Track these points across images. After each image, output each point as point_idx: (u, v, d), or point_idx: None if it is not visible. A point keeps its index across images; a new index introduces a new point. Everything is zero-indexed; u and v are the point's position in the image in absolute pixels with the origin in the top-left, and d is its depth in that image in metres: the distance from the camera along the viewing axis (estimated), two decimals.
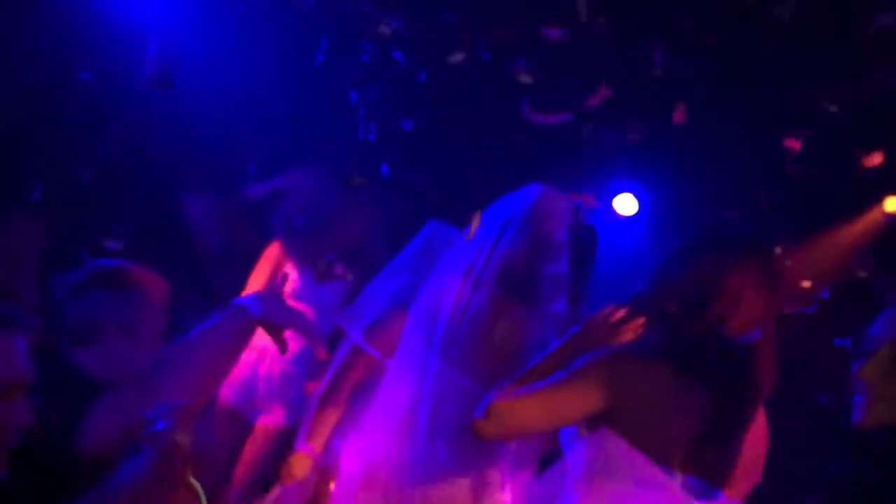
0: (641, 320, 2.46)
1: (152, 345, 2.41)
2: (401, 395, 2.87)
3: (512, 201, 2.94)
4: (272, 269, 4.00)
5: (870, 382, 2.19)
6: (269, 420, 3.88)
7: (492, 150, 5.41)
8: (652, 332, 2.45)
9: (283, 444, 3.49)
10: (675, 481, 2.31)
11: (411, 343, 2.90)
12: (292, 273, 3.99)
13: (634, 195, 5.64)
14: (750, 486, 2.56)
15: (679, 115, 4.98)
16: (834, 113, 5.01)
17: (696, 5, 4.74)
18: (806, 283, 5.53)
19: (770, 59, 4.84)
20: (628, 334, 2.46)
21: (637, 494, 2.31)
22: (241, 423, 3.86)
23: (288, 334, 2.40)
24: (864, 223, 5.58)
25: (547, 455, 2.82)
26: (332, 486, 3.16)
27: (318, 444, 3.12)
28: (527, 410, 2.34)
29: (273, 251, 4.05)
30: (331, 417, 3.12)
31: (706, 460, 2.33)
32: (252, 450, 3.84)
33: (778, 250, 4.48)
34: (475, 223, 2.93)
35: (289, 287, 3.92)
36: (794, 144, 5.11)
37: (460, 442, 2.75)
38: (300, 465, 3.15)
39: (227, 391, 3.84)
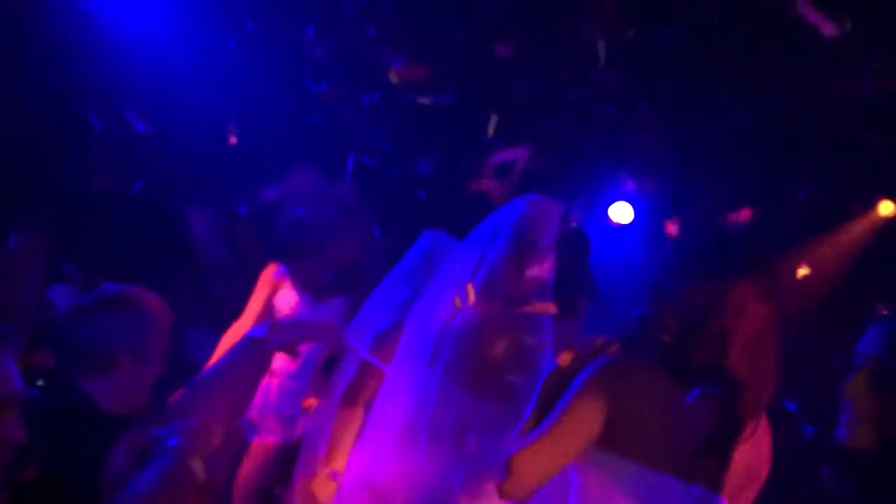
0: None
1: (157, 369, 2.45)
2: (398, 407, 2.88)
3: (504, 211, 2.94)
4: (271, 290, 4.02)
5: (854, 400, 2.17)
6: (267, 437, 3.88)
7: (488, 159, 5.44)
8: (650, 343, 2.46)
9: (281, 460, 3.51)
10: (677, 489, 2.31)
11: (407, 355, 2.91)
12: (291, 293, 4.01)
13: (630, 203, 5.68)
14: (752, 496, 2.55)
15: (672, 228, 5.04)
16: (830, 115, 5.04)
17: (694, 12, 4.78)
18: (803, 290, 5.55)
19: (765, 65, 4.87)
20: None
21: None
22: (238, 440, 3.86)
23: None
24: (859, 228, 5.60)
25: None
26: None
27: (339, 464, 3.08)
28: (543, 454, 2.29)
29: (271, 272, 4.07)
30: (349, 436, 3.09)
31: (706, 468, 2.33)
32: (250, 467, 3.84)
33: (777, 259, 4.48)
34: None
35: (287, 308, 3.93)
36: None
37: (458, 452, 2.79)
38: (324, 487, 3.08)
39: None
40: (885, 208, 5.59)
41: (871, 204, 5.58)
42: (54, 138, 4.69)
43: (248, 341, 2.42)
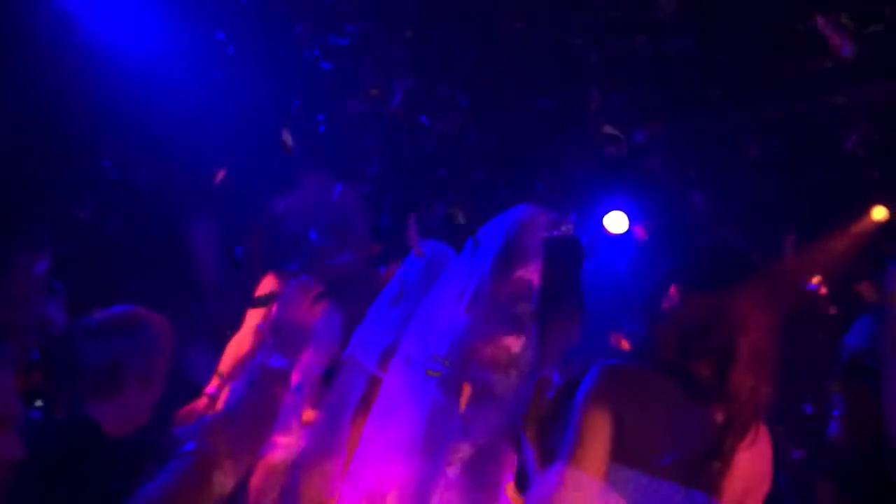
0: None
1: (159, 390, 2.46)
2: (399, 420, 2.89)
3: (498, 221, 2.97)
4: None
5: (840, 394, 2.16)
6: (273, 453, 3.88)
7: (487, 170, 5.46)
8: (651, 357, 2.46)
9: (287, 475, 3.50)
10: (678, 496, 2.31)
11: (406, 367, 2.91)
12: None
13: (625, 213, 5.70)
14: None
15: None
16: (822, 121, 5.06)
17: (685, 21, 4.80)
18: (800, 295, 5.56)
19: (762, 73, 4.89)
20: None
21: None
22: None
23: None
24: (852, 233, 5.62)
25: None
26: None
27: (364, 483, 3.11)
28: (582, 482, 2.26)
29: (268, 284, 4.08)
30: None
31: (707, 476, 2.32)
32: (258, 483, 3.83)
33: (774, 267, 4.49)
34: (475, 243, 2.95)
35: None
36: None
37: (476, 472, 2.78)
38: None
39: None
40: (877, 213, 5.61)
41: (864, 210, 5.60)
42: (49, 156, 4.70)
43: (265, 371, 2.44)
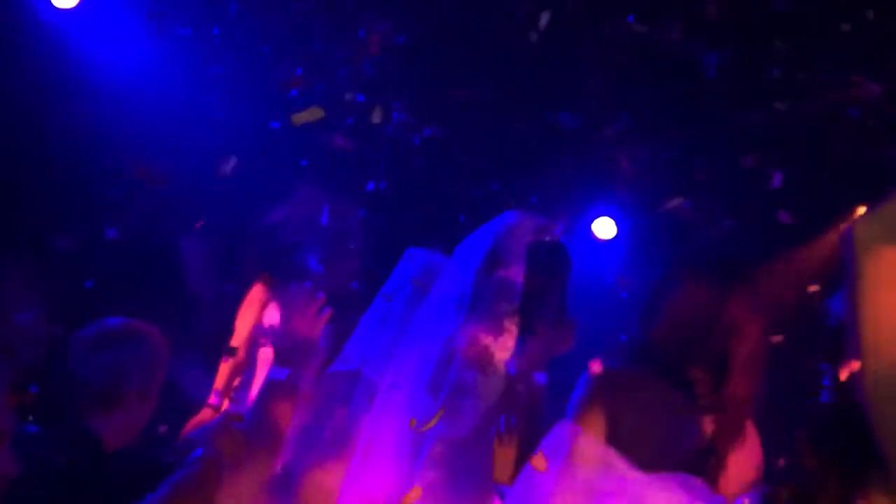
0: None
1: (154, 404, 2.46)
2: (398, 431, 2.88)
3: (486, 228, 2.96)
4: (259, 309, 4.02)
5: (829, 361, 2.19)
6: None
7: (474, 175, 5.47)
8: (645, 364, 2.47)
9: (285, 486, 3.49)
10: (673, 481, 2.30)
11: (405, 378, 2.91)
12: (276, 315, 3.95)
13: (613, 219, 5.72)
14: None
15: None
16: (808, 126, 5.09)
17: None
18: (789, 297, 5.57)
19: (747, 77, 4.92)
20: None
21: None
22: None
23: None
24: (837, 236, 5.64)
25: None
26: None
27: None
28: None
29: (257, 294, 4.06)
30: None
31: (700, 477, 2.33)
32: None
33: (763, 272, 4.50)
34: None
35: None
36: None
37: (455, 472, 2.79)
38: None
39: None
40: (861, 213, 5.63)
41: (849, 213, 5.63)
42: (37, 171, 4.70)
43: (272, 385, 2.45)
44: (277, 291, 4.01)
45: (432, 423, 2.65)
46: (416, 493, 2.62)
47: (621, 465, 2.29)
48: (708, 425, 2.40)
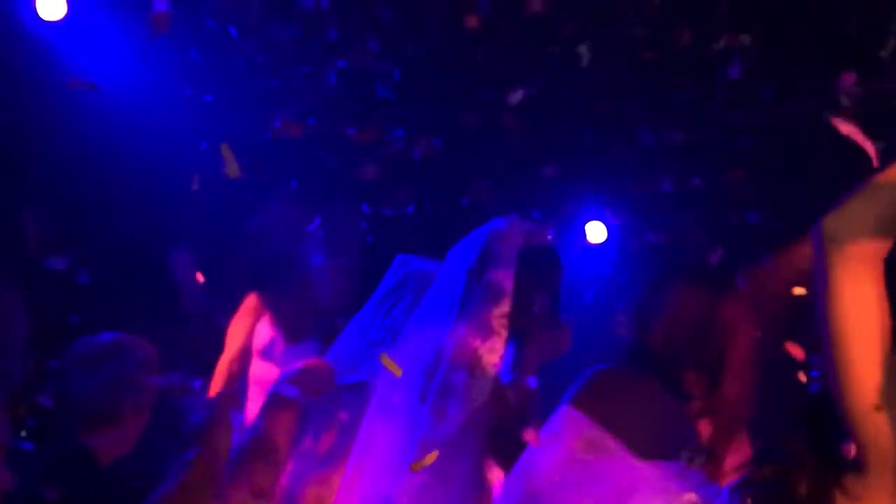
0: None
1: (147, 417, 2.46)
2: (390, 442, 2.87)
3: (477, 233, 2.97)
4: (250, 323, 4.01)
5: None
6: None
7: (467, 181, 5.49)
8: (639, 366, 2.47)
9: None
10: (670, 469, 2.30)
11: (397, 388, 2.90)
12: (265, 328, 3.96)
13: (603, 223, 5.73)
14: None
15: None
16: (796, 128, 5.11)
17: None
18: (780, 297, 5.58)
19: (736, 79, 4.95)
20: None
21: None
22: None
23: None
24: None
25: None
26: None
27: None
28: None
29: (249, 304, 4.04)
30: None
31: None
32: None
33: (754, 272, 4.52)
34: None
35: (260, 343, 3.94)
36: None
37: (443, 475, 2.79)
38: None
39: None
40: None
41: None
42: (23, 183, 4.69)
43: (277, 399, 2.45)
44: (269, 302, 4.01)
45: (428, 461, 2.63)
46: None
47: (617, 448, 2.31)
48: (703, 427, 2.41)
